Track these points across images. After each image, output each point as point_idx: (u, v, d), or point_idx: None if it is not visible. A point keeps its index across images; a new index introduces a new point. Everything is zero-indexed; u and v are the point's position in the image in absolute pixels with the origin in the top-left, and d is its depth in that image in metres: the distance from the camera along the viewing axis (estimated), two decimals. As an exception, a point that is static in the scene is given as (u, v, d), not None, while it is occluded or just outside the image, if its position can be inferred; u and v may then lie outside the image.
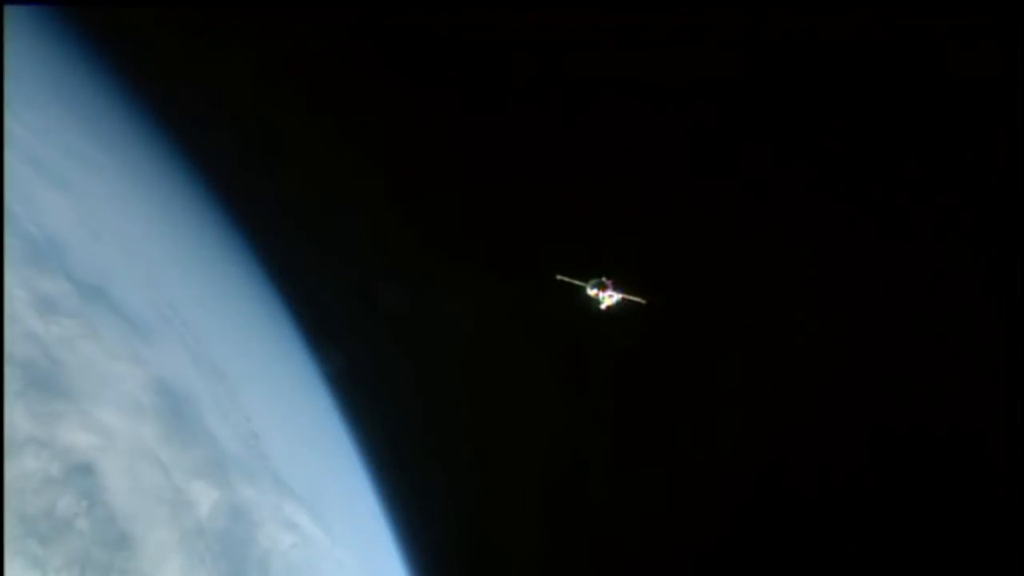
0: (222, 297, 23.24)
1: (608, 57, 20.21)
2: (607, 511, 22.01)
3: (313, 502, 18.87)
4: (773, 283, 19.79)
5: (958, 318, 17.93)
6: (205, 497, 14.82)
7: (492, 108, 22.71)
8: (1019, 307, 15.90)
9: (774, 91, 19.10)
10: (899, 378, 18.84)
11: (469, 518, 22.18)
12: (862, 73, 18.17)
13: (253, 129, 23.82)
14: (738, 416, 20.49)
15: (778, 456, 19.80)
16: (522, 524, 21.61)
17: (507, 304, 22.40)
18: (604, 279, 12.64)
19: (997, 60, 15.69)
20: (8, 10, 16.00)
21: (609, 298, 12.63)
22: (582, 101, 21.28)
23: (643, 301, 12.67)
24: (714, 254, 20.48)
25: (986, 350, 17.26)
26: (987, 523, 16.80)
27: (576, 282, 12.80)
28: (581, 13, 19.46)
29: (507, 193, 22.92)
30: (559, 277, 12.89)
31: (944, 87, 17.37)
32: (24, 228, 15.11)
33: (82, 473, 12.36)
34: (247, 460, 17.33)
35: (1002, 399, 16.37)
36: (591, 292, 12.67)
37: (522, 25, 19.99)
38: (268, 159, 24.56)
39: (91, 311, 15.38)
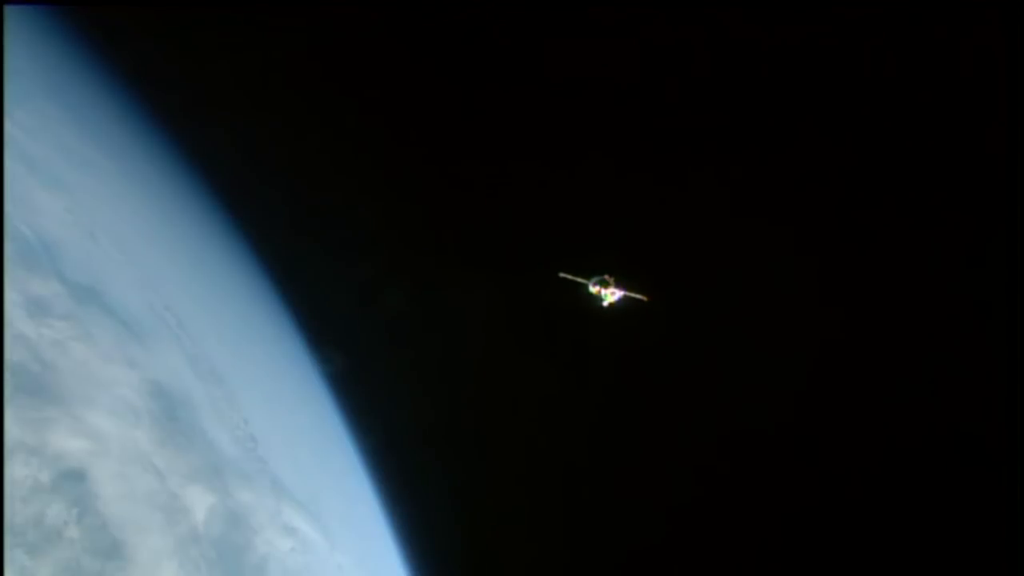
0: (220, 298, 23.00)
1: (611, 54, 20.12)
2: (610, 512, 21.85)
3: (312, 506, 18.62)
4: (775, 280, 19.71)
5: (959, 317, 17.92)
6: (201, 502, 14.54)
7: (494, 106, 22.52)
8: (1019, 307, 15.78)
9: (776, 89, 19.03)
10: (899, 377, 18.87)
11: (471, 521, 21.99)
12: (862, 70, 18.12)
13: (251, 128, 23.58)
14: (740, 413, 20.42)
15: (780, 454, 19.80)
16: (526, 528, 21.47)
17: (509, 302, 22.27)
18: (607, 276, 12.70)
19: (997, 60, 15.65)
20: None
21: (612, 295, 12.67)
22: (584, 98, 21.11)
23: (645, 298, 12.74)
24: (716, 252, 20.46)
25: (987, 349, 17.22)
26: (986, 524, 16.78)
27: (579, 279, 12.84)
28: (584, 11, 19.46)
29: (509, 191, 22.77)
30: (562, 274, 12.92)
31: (943, 86, 17.30)
32: (15, 228, 14.85)
33: (73, 480, 12.08)
34: (245, 464, 17.06)
35: (1002, 400, 16.31)
36: (593, 289, 12.71)
37: (525, 22, 19.99)
38: (266, 158, 24.32)
39: (84, 313, 15.13)
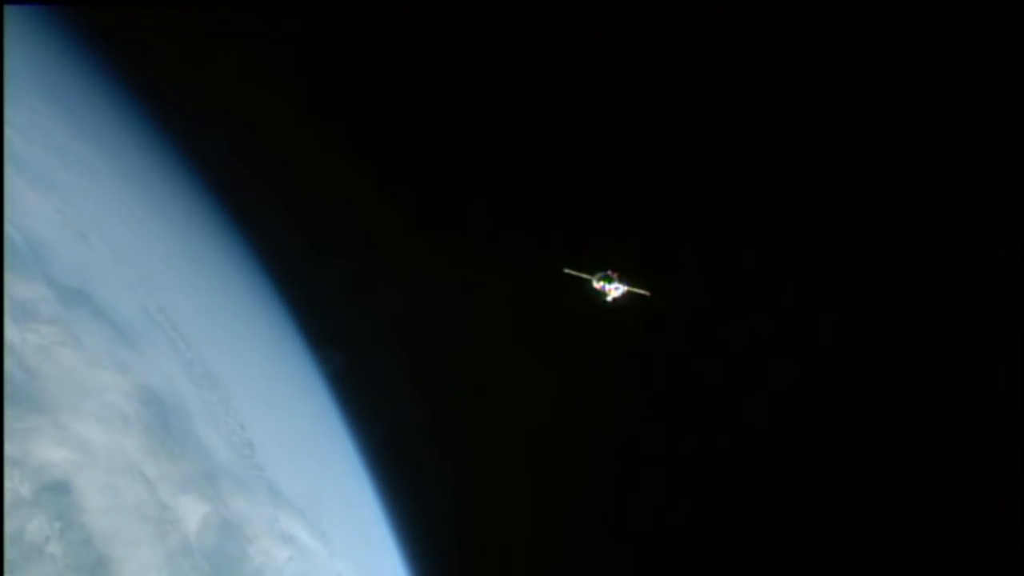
0: (216, 299, 22.60)
1: (611, 51, 20.13)
2: (610, 512, 21.75)
3: (311, 512, 18.26)
4: (776, 278, 19.79)
5: (960, 318, 17.96)
6: (193, 512, 14.09)
7: (495, 103, 22.46)
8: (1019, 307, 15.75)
9: (778, 86, 19.06)
10: (901, 378, 18.91)
11: (473, 525, 21.71)
12: (865, 69, 18.08)
13: (248, 126, 23.31)
14: (742, 412, 20.49)
15: (781, 455, 19.72)
16: (529, 533, 21.21)
17: (512, 299, 22.02)
18: (610, 272, 13.02)
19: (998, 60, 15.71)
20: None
21: (615, 290, 13.04)
22: (587, 95, 21.01)
23: (648, 294, 13.12)
24: (717, 249, 20.52)
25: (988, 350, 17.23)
26: (985, 526, 16.86)
27: (583, 275, 13.19)
28: (581, 8, 19.45)
29: (511, 188, 22.61)
30: (567, 270, 13.30)
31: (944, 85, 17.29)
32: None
33: (56, 492, 11.63)
34: (240, 471, 16.62)
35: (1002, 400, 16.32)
36: (597, 285, 13.08)
37: (523, 18, 19.92)
38: (263, 156, 24.04)
39: (72, 316, 14.72)
